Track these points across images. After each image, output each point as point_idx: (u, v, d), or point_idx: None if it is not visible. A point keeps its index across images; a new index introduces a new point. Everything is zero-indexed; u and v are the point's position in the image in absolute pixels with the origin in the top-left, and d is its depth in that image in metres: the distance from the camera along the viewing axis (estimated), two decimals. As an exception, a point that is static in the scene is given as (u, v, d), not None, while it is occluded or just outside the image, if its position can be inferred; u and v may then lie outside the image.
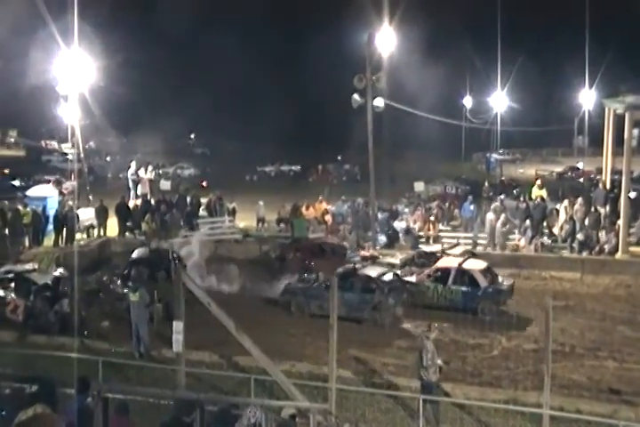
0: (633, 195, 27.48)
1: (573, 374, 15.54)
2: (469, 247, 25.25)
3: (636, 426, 12.30)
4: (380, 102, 30.96)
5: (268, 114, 63.91)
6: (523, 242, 25.87)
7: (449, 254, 22.71)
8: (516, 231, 26.77)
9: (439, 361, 13.33)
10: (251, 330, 12.14)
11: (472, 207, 27.98)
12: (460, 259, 21.33)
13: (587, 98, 65.90)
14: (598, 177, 35.11)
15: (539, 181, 31.26)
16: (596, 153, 38.26)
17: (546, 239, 25.95)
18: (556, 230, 26.73)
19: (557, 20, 69.25)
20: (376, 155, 31.21)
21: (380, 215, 28.05)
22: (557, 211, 27.58)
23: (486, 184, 34.54)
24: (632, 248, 25.38)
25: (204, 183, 43.08)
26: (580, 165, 53.06)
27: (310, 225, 28.20)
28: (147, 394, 11.40)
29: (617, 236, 25.18)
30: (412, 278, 20.76)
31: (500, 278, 20.79)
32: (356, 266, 20.94)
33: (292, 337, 18.11)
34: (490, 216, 26.46)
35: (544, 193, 29.38)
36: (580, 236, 25.63)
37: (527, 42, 68.99)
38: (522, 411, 13.06)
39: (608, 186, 30.37)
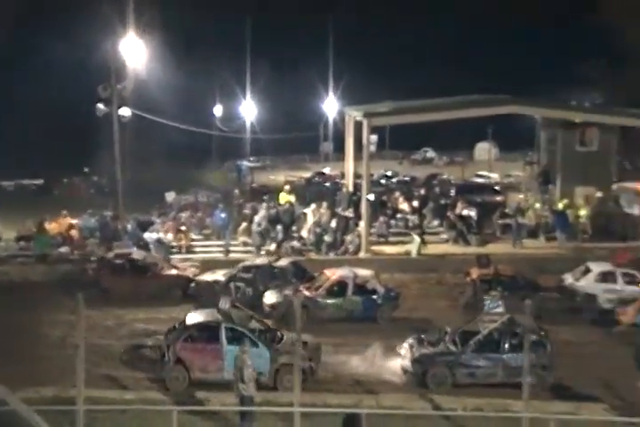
0: (372, 197, 29.29)
1: (321, 371, 16.22)
2: (296, 258, 24.66)
3: (378, 412, 13.14)
4: (126, 111, 30.31)
5: (5, 124, 59.68)
6: (273, 246, 26.52)
7: (275, 267, 22.22)
8: (268, 236, 27.34)
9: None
10: None
11: (223, 215, 28.20)
12: (348, 269, 21.15)
13: (330, 106, 69.56)
14: (343, 181, 37.00)
15: (287, 187, 32.26)
16: (340, 158, 40.40)
17: (295, 243, 26.82)
18: (304, 233, 27.72)
19: (303, 31, 72.39)
20: (124, 165, 30.45)
21: (129, 227, 27.39)
22: (305, 215, 28.63)
23: (236, 191, 35.02)
24: (373, 247, 27.08)
25: None
26: (327, 170, 55.62)
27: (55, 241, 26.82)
28: None
29: (359, 236, 26.74)
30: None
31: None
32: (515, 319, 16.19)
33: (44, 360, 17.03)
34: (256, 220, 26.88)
35: (292, 198, 30.34)
36: (326, 238, 26.83)
37: (275, 52, 71.47)
38: (275, 411, 13.40)
39: (351, 189, 32.22)
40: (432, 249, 26.88)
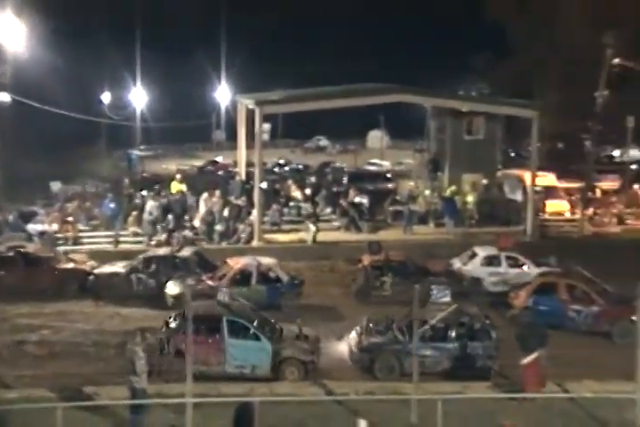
0: (264, 185, 29.27)
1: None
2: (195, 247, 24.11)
3: (270, 400, 13.15)
4: (5, 97, 29.17)
5: None
6: (164, 236, 26.05)
7: (176, 257, 21.86)
8: (159, 226, 26.87)
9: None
10: None
11: (112, 205, 27.45)
12: (251, 257, 21.05)
13: (223, 93, 68.79)
14: (236, 169, 36.78)
15: (178, 176, 31.77)
16: (233, 147, 40.13)
17: (187, 232, 26.44)
18: (197, 223, 27.38)
19: (195, 18, 71.21)
20: (5, 154, 29.26)
21: (10, 218, 26.28)
22: (197, 203, 28.26)
23: (126, 181, 34.21)
24: (267, 235, 27.06)
25: None
26: (220, 159, 55.13)
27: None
28: None
29: (252, 225, 26.63)
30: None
31: None
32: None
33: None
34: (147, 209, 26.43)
35: (184, 187, 29.91)
36: (219, 227, 26.61)
37: (167, 38, 70.11)
38: (167, 403, 13.18)
39: (244, 178, 32.08)
40: (324, 236, 27.11)
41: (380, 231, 28.41)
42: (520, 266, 22.36)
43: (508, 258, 22.48)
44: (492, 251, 22.88)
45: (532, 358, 14.06)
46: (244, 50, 66.60)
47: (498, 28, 46.49)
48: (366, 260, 22.37)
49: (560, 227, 30.30)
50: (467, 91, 44.68)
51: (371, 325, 16.83)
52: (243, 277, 20.41)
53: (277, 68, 69.29)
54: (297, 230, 27.88)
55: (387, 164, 54.79)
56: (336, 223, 29.15)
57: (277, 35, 79.76)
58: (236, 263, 20.88)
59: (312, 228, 26.72)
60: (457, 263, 22.92)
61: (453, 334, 15.87)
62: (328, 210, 30.67)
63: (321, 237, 26.89)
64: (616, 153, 56.36)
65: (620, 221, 30.89)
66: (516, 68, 45.35)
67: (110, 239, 26.31)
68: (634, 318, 16.86)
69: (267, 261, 21.14)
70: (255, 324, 15.94)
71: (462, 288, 21.54)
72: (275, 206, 28.83)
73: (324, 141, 73.84)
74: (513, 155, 53.59)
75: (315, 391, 14.48)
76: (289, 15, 78.40)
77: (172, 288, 20.37)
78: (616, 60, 31.24)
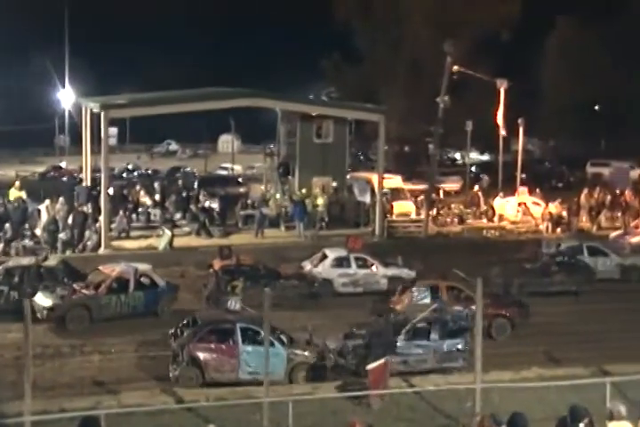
0: (111, 191, 28.35)
1: (57, 375, 15.41)
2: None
3: (117, 411, 12.66)
4: None
5: None
6: (1, 246, 24.63)
7: (42, 266, 20.53)
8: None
9: None
10: None
11: None
12: (125, 264, 20.42)
13: (65, 96, 65.92)
14: (81, 175, 35.49)
15: (17, 182, 30.22)
16: (78, 151, 38.69)
17: (27, 241, 25.14)
18: (38, 231, 26.12)
19: (35, 16, 68.16)
20: None
21: None
22: (39, 211, 26.99)
23: (-44, 188, 32.11)
24: (115, 242, 26.23)
25: None
26: (63, 164, 53.11)
27: None
28: None
29: (98, 232, 25.72)
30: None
31: None
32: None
33: None
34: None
35: (23, 194, 28.46)
36: (63, 235, 25.49)
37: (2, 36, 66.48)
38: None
39: (90, 184, 30.96)
40: (175, 242, 26.60)
41: (232, 236, 28.26)
42: (369, 266, 22.90)
43: (357, 259, 22.96)
44: (341, 252, 23.27)
45: (377, 364, 14.09)
46: (89, 52, 64.46)
47: (347, 32, 47.60)
48: (217, 264, 22.18)
49: (406, 227, 31.31)
50: (317, 95, 45.44)
51: (354, 330, 17.32)
52: (120, 285, 19.94)
53: (124, 71, 67.53)
54: (146, 237, 27.20)
55: (238, 168, 54.60)
56: (186, 229, 28.70)
57: (124, 37, 77.74)
58: (112, 271, 20.29)
59: (168, 233, 26.20)
60: (308, 265, 23.14)
61: (436, 332, 16.43)
62: (178, 215, 30.11)
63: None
64: (457, 156, 59.28)
65: (461, 221, 32.49)
66: (364, 73, 46.73)
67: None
68: (507, 313, 18.76)
69: (142, 267, 20.75)
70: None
71: (313, 290, 21.86)
72: (122, 212, 28.00)
73: (173, 146, 72.90)
74: (362, 158, 55.06)
75: (165, 400, 14.13)
76: (137, 17, 76.60)
77: (44, 300, 19.22)
78: (455, 68, 32.62)
